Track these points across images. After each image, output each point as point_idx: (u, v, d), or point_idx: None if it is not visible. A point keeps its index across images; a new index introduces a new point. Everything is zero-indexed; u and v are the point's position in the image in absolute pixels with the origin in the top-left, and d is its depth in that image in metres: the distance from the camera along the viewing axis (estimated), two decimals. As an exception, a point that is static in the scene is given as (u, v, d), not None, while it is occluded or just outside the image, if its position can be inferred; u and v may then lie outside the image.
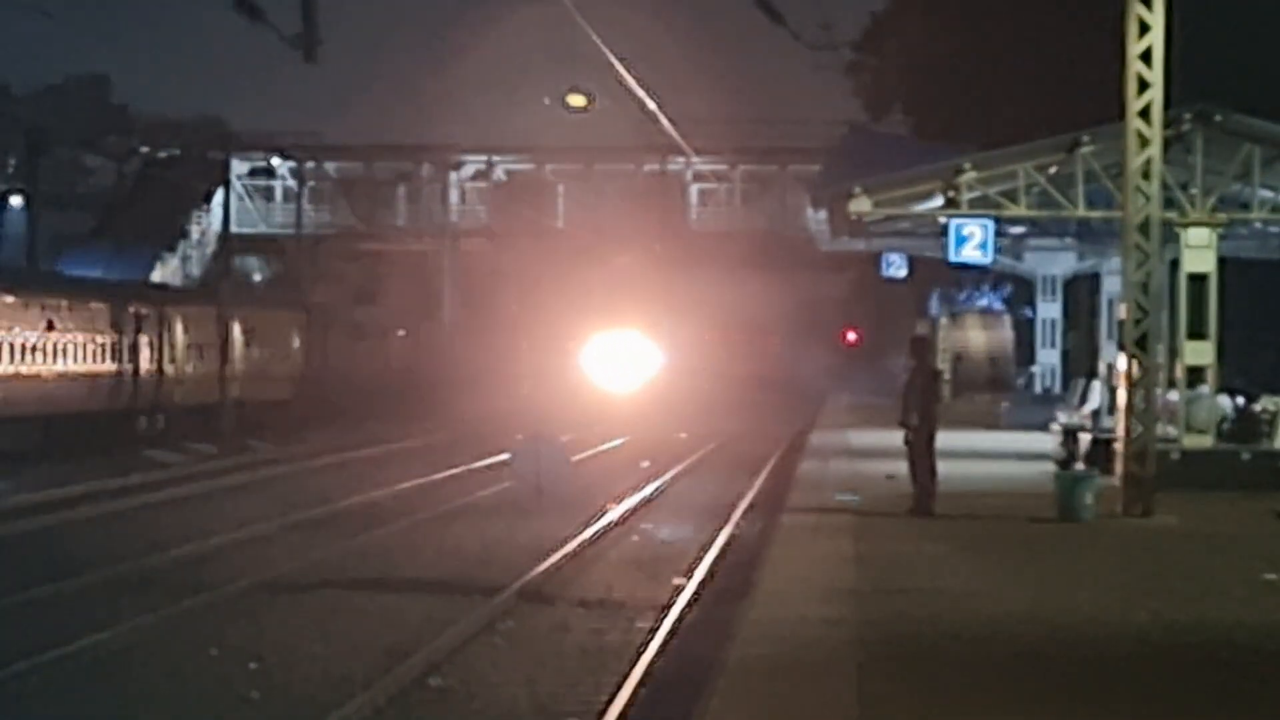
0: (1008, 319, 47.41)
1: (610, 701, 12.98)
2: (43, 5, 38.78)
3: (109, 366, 43.13)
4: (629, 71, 33.84)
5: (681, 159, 54.98)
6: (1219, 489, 25.20)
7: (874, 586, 16.43)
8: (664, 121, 42.80)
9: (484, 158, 62.14)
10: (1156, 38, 22.18)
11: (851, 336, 70.46)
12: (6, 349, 38.77)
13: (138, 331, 44.59)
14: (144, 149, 62.59)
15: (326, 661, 15.05)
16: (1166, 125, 23.16)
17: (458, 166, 62.19)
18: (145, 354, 45.07)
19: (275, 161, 52.33)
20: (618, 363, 61.51)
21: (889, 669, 11.67)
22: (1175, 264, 28.14)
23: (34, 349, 39.76)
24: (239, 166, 57.24)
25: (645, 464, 38.48)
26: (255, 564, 21.35)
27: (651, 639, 15.93)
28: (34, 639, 14.57)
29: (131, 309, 45.35)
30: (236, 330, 49.31)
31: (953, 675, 11.53)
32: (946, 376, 35.54)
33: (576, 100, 51.27)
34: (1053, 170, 30.15)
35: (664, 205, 58.29)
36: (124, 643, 15.23)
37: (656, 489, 33.45)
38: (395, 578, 20.95)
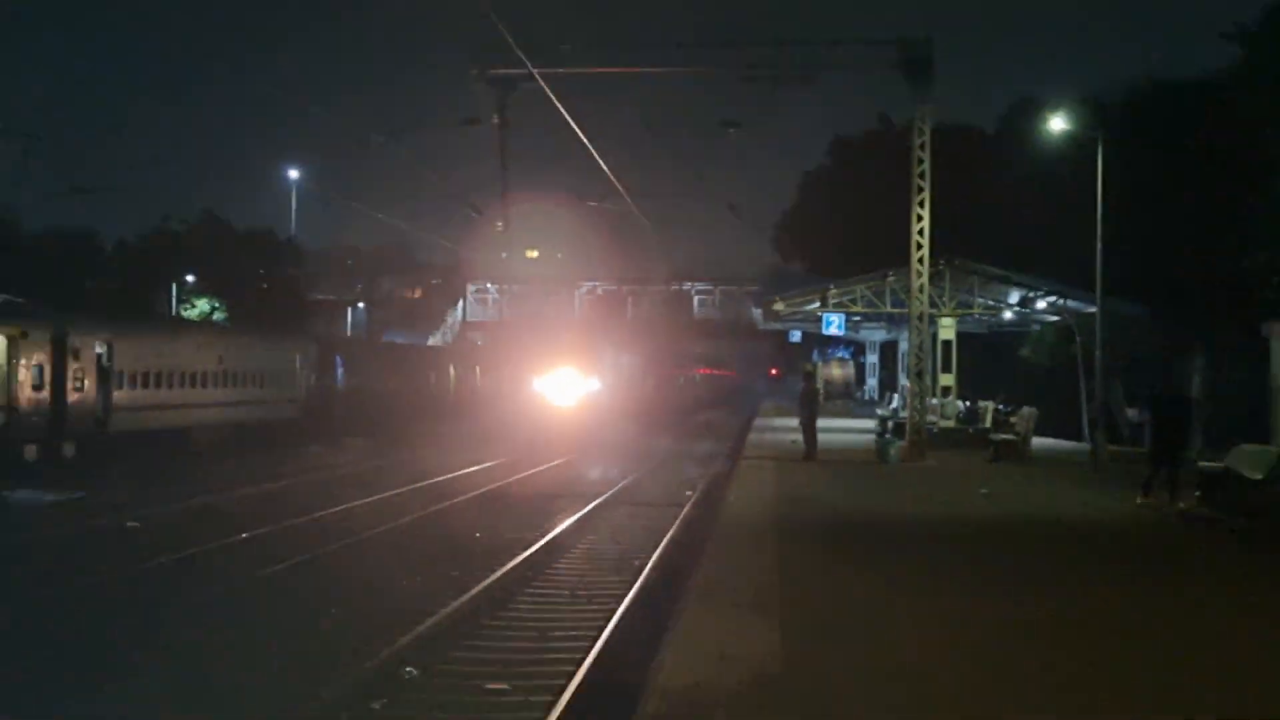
0: (851, 362, 66.66)
1: (656, 548, 18.85)
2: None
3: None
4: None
5: (690, 283, 70.48)
6: (956, 448, 32.85)
7: (783, 495, 22.04)
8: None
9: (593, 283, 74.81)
10: (926, 222, 30.06)
11: (774, 371, 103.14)
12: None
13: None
14: (435, 281, 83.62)
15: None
16: (930, 266, 31.60)
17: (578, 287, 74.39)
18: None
19: (488, 285, 62.75)
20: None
21: (790, 533, 16.61)
22: (935, 335, 36.78)
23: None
24: (470, 287, 72.45)
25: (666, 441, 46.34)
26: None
27: (676, 520, 22.28)
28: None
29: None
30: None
31: (821, 535, 16.88)
32: (821, 391, 43.12)
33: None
34: (873, 288, 39.57)
35: (679, 307, 72.30)
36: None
37: (670, 450, 42.51)
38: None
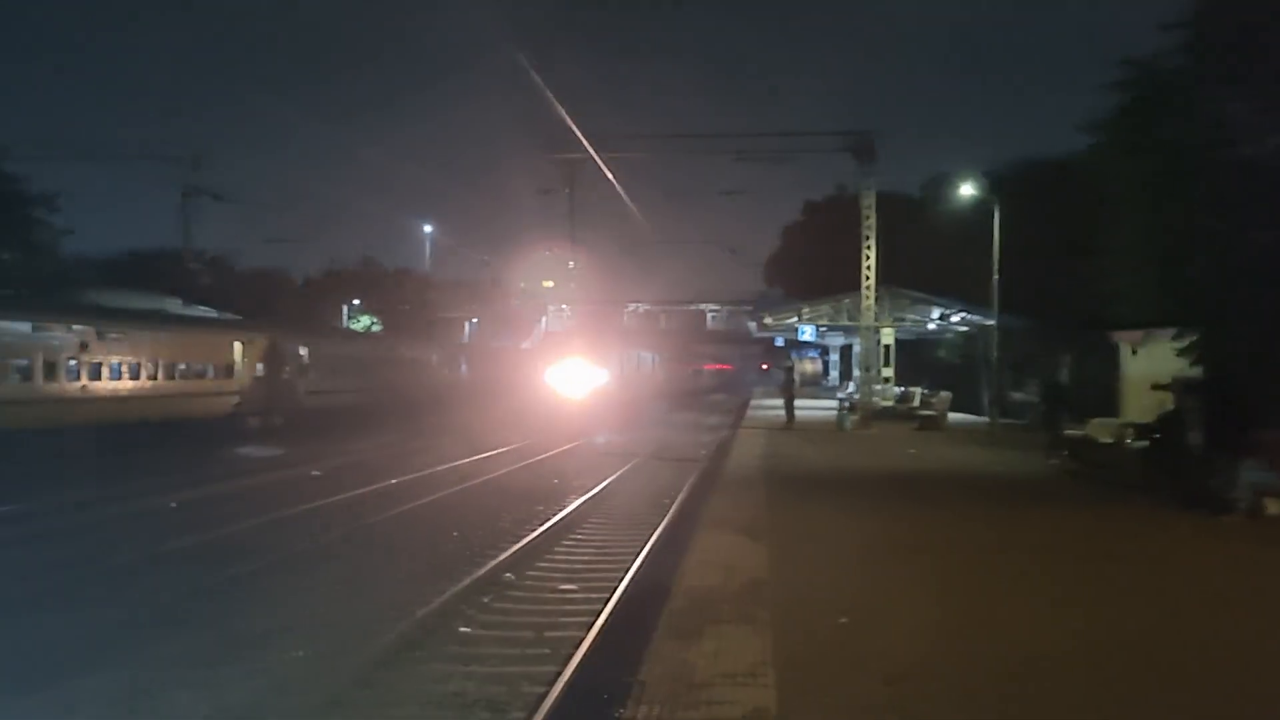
0: (819, 359, 63.95)
1: (680, 491, 18.74)
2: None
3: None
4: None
5: (704, 304, 69.23)
6: (893, 421, 33.33)
7: (769, 454, 22.46)
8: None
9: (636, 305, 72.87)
10: (872, 261, 31.02)
11: (765, 366, 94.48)
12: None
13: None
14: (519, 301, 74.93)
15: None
16: (875, 292, 32.93)
17: (626, 307, 73.08)
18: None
19: (563, 306, 61.20)
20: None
21: (773, 481, 17.16)
22: (878, 340, 37.79)
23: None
24: (550, 306, 67.11)
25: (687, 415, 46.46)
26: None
27: (699, 468, 22.54)
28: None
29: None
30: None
31: (795, 483, 17.18)
32: (798, 380, 41.59)
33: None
34: (834, 306, 40.32)
35: (696, 322, 71.20)
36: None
37: (690, 421, 42.06)
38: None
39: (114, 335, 25.87)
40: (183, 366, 28.79)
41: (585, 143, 24.32)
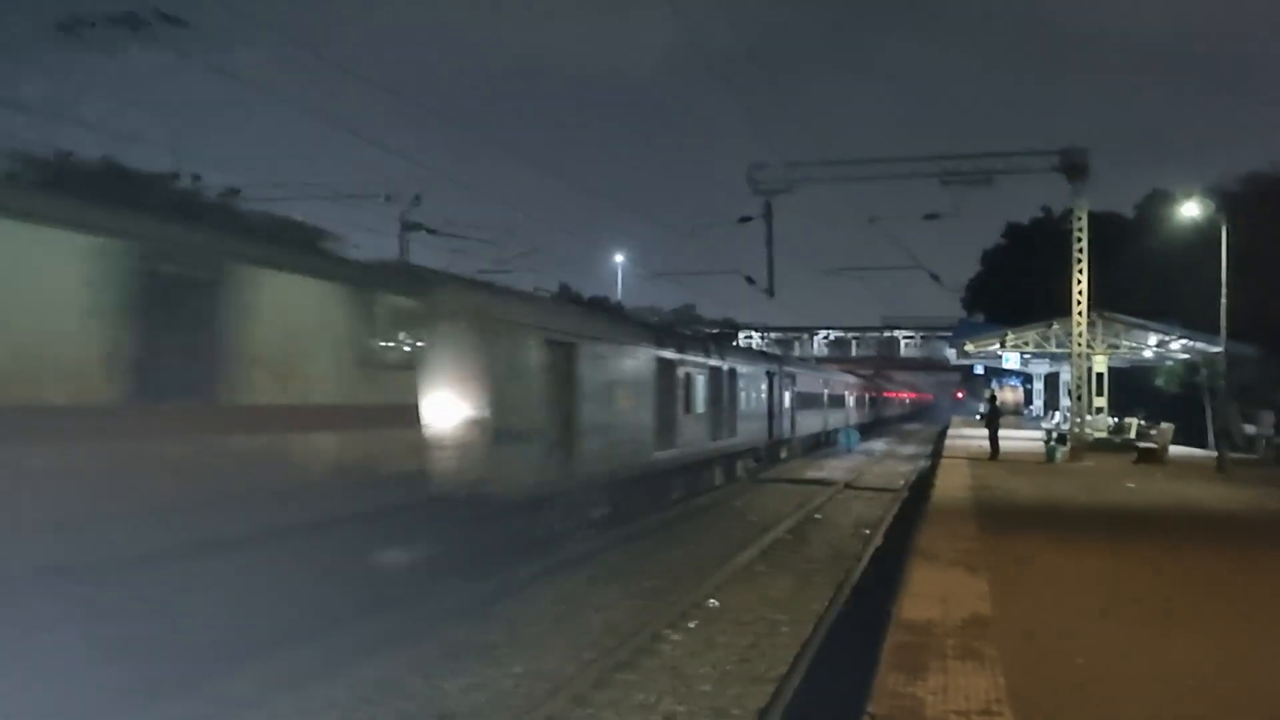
0: (1021, 388, 58.66)
1: (883, 519, 19.90)
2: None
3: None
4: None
5: (899, 331, 68.29)
6: (1107, 453, 30.53)
7: (976, 485, 20.76)
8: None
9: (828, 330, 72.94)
10: (1084, 284, 29.12)
11: (960, 394, 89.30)
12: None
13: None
14: (715, 331, 77.93)
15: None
16: (1086, 317, 30.38)
17: (815, 332, 72.85)
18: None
19: (752, 332, 61.21)
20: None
21: (984, 513, 15.51)
22: (1089, 368, 34.59)
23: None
24: (741, 334, 68.73)
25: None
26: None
27: (896, 502, 23.05)
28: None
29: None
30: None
31: (1007, 516, 15.56)
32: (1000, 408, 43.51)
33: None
34: (1040, 333, 37.87)
35: (889, 348, 70.16)
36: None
37: (887, 449, 42.83)
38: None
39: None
40: None
41: (781, 169, 24.35)
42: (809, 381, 40.15)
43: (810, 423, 39.91)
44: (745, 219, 28.14)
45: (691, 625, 10.88)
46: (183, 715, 7.51)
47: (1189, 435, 35.04)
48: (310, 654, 8.97)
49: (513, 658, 9.47)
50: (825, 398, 43.65)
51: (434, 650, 9.57)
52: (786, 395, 34.56)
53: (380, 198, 24.28)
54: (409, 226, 24.62)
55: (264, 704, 7.85)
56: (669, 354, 21.10)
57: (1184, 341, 36.42)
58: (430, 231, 24.51)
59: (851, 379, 55.32)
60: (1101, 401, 37.18)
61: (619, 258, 61.88)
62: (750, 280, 31.80)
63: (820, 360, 62.75)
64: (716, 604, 11.93)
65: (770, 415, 31.44)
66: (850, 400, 52.88)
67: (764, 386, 31.07)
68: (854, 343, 72.68)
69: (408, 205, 24.45)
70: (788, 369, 35.97)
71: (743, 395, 27.43)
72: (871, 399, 63.30)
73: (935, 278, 37.43)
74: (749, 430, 28.42)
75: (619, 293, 69.00)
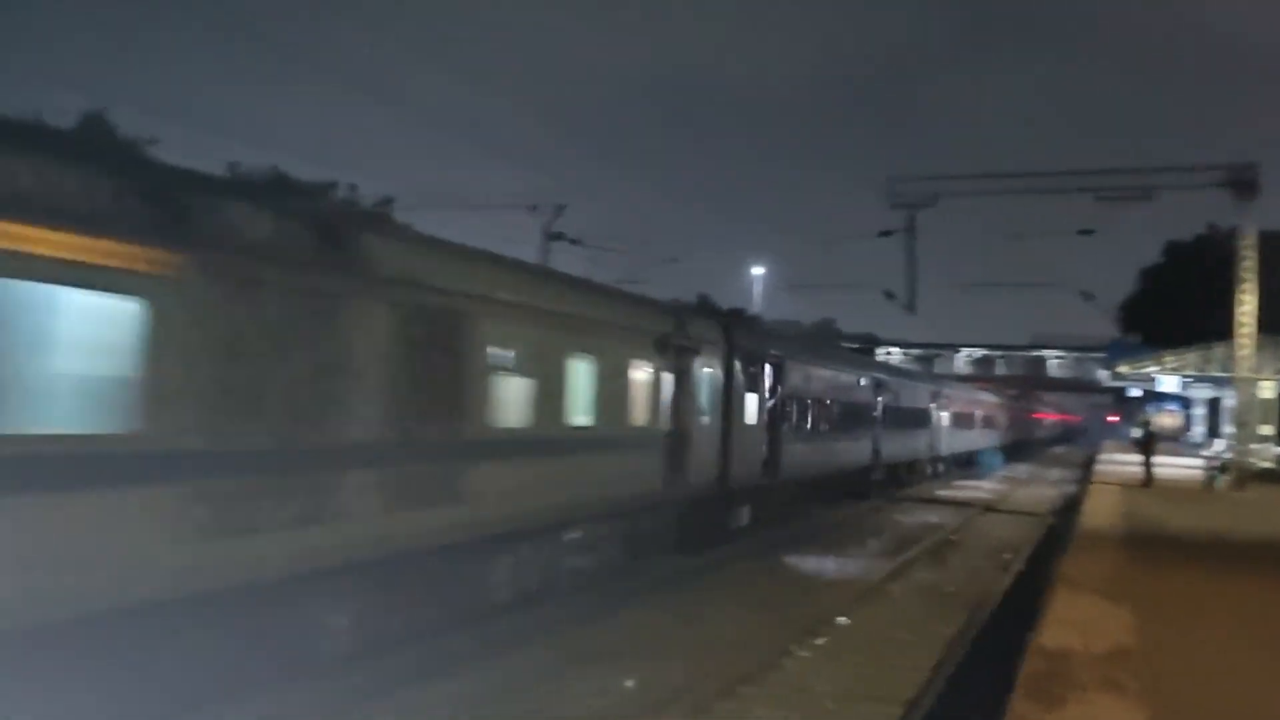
0: (1180, 413, 55.85)
1: (1025, 544, 19.21)
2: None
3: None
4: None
5: (1048, 350, 66.14)
6: (1274, 484, 29.08)
7: (1127, 513, 19.62)
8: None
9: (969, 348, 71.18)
10: (1250, 306, 28.13)
11: (1113, 418, 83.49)
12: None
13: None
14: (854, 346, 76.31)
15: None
16: (1253, 340, 29.08)
17: (958, 350, 71.34)
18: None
19: (890, 349, 59.55)
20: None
21: (1134, 542, 14.85)
22: (1254, 394, 32.45)
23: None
24: (879, 350, 66.78)
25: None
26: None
27: (1040, 526, 22.31)
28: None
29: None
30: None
31: (1156, 544, 14.95)
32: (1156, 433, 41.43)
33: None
34: (1202, 356, 36.14)
35: (1035, 368, 67.92)
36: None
37: (1032, 472, 41.92)
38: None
39: None
40: None
41: (925, 183, 23.81)
42: (955, 400, 39.38)
43: (955, 442, 38.94)
44: (885, 233, 27.60)
45: (819, 642, 10.71)
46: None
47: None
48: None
49: (634, 664, 9.49)
50: (969, 417, 42.41)
51: (558, 656, 9.67)
52: (940, 414, 34.50)
53: (525, 208, 24.87)
54: (552, 236, 25.14)
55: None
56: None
57: (1364, 368, 33.95)
58: (572, 241, 25.01)
59: (995, 398, 53.46)
60: (1268, 429, 34.67)
61: (759, 270, 61.49)
62: (890, 295, 31.23)
63: (961, 379, 60.95)
64: (847, 621, 11.72)
65: (926, 433, 31.92)
66: (993, 421, 51.15)
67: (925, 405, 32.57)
68: (999, 361, 70.20)
69: (552, 216, 24.98)
70: (943, 388, 35.83)
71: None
72: (1016, 420, 60.91)
73: (1088, 296, 35.76)
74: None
75: (758, 305, 68.61)
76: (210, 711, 6.90)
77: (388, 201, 40.06)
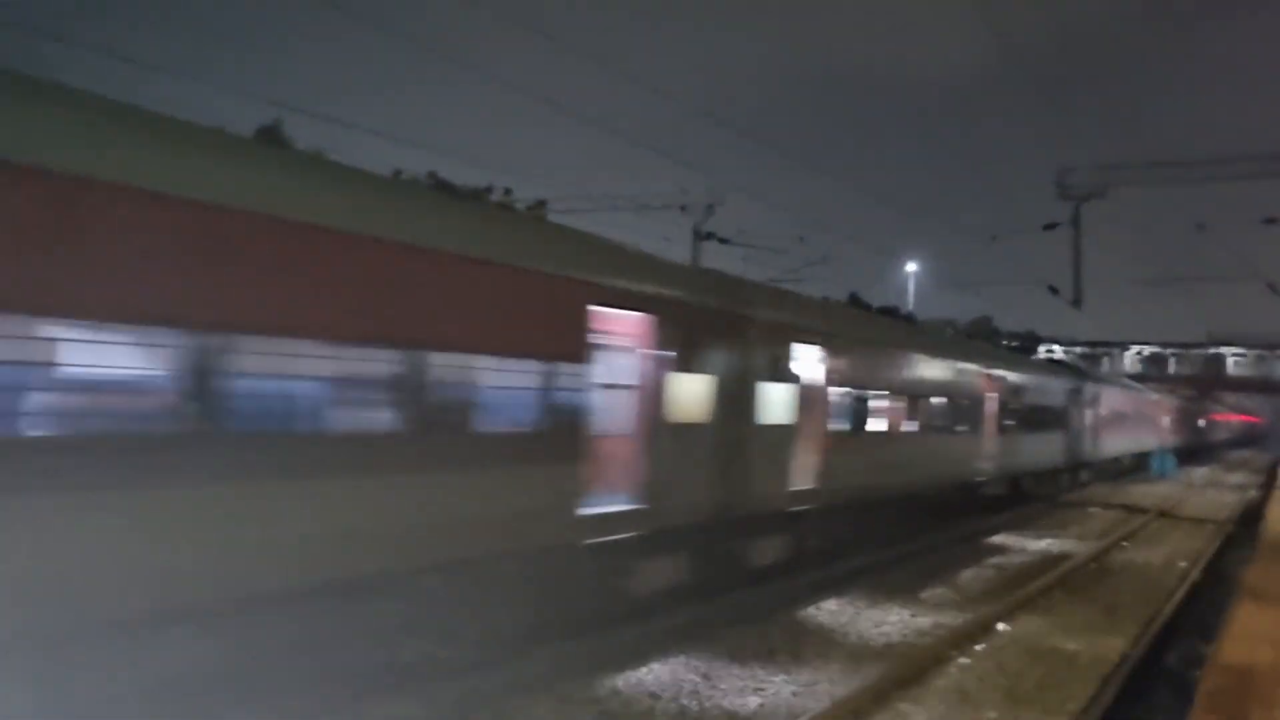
0: None
1: (1207, 550, 18.29)
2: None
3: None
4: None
5: (1227, 348, 62.28)
6: None
7: None
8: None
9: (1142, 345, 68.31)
10: None
11: None
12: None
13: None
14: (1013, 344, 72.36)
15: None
16: None
17: (1126, 348, 68.72)
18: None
19: (1054, 346, 57.24)
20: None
21: None
22: None
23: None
24: (1041, 347, 58.79)
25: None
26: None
27: (1219, 535, 20.88)
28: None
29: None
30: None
31: None
32: None
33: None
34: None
35: (1217, 371, 64.11)
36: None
37: (1209, 477, 39.72)
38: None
39: None
40: None
41: (1095, 177, 22.62)
42: (1116, 399, 37.63)
43: (1116, 444, 37.22)
44: (1050, 225, 26.40)
45: (979, 648, 10.40)
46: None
47: None
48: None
49: (794, 667, 9.44)
50: (1135, 416, 40.33)
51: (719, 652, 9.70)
52: (1093, 412, 33.01)
53: (675, 208, 24.94)
54: (702, 236, 25.13)
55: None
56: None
57: None
58: (723, 241, 24.92)
59: (1166, 399, 50.65)
60: None
61: (911, 267, 59.96)
62: (1054, 290, 29.80)
63: (1132, 378, 57.91)
64: (1006, 629, 11.33)
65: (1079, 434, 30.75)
66: (1165, 422, 48.47)
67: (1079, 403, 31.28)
68: (1171, 359, 66.30)
69: (702, 215, 24.98)
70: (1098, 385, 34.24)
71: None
72: (1192, 421, 57.47)
73: (1274, 289, 33.19)
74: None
75: (910, 303, 66.83)
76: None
77: (541, 204, 40.90)
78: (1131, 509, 25.56)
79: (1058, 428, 26.99)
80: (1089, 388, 31.03)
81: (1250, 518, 22.69)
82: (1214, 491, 33.83)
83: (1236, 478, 41.41)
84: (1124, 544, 19.42)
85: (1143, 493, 31.37)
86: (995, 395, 21.14)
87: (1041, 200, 27.20)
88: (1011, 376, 22.65)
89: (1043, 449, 25.22)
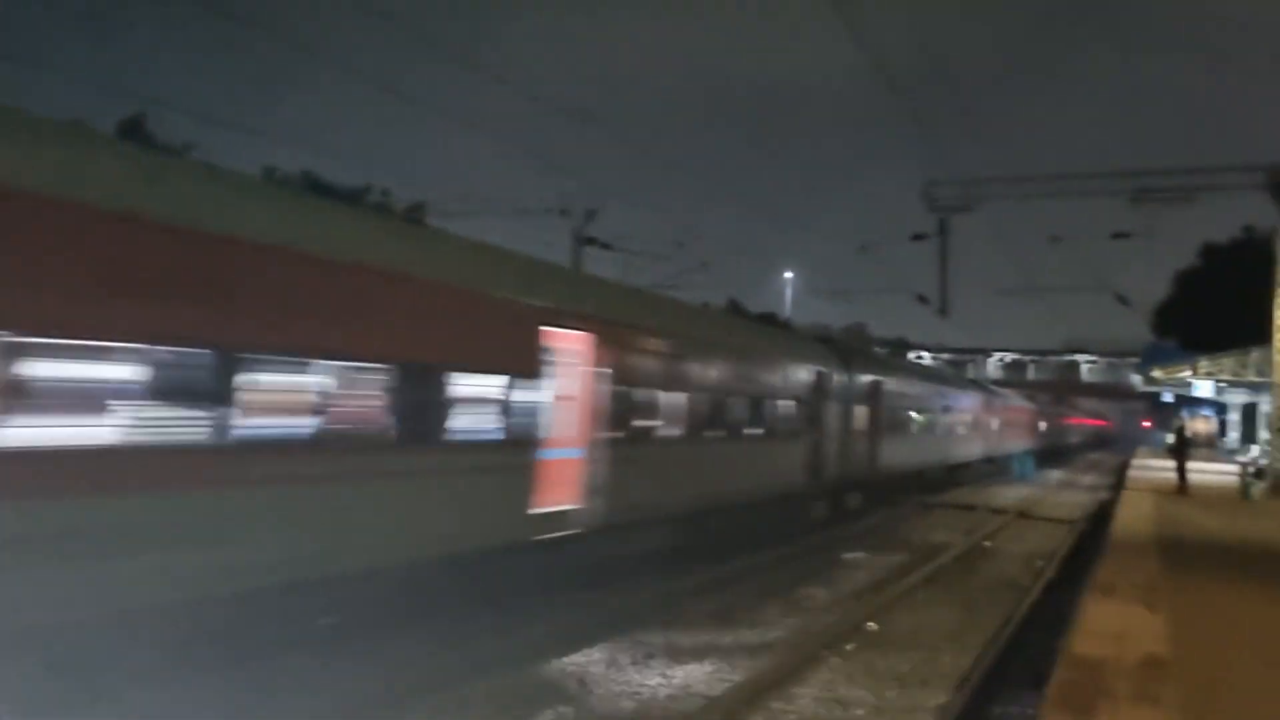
0: (1214, 419, 54.60)
1: (1059, 552, 18.95)
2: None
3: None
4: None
5: (1081, 355, 65.40)
6: None
7: (1160, 520, 19.33)
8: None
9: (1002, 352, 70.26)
10: None
11: (1147, 423, 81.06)
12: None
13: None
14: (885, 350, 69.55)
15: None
16: None
17: (989, 354, 70.31)
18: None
19: (922, 353, 58.37)
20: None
21: (1168, 550, 14.51)
22: None
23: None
24: (910, 353, 63.27)
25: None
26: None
27: (1072, 534, 21.98)
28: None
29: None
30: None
31: (1191, 553, 14.75)
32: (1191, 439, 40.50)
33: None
34: (1238, 361, 35.39)
35: (1068, 372, 67.04)
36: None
37: (1065, 478, 41.12)
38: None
39: None
40: None
41: (958, 190, 23.53)
42: (1003, 408, 39.50)
43: (1000, 446, 38.96)
44: (919, 236, 27.38)
45: (849, 648, 10.64)
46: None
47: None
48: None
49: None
50: (993, 423, 41.90)
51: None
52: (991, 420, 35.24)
53: (555, 212, 24.95)
54: (582, 241, 25.19)
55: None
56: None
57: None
58: (604, 246, 25.05)
59: (1023, 403, 52.89)
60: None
61: (788, 274, 61.21)
62: (923, 299, 30.75)
63: (995, 384, 60.28)
64: (875, 628, 11.63)
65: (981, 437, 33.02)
66: (1028, 426, 50.59)
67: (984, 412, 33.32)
68: (1031, 366, 69.40)
69: (582, 220, 25.05)
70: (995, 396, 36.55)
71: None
72: (1050, 425, 60.17)
73: (1122, 300, 35.14)
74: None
75: (787, 309, 68.12)
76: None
77: (419, 207, 40.31)
78: (993, 509, 26.41)
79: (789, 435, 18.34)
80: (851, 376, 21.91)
81: (1101, 518, 23.60)
82: (1069, 493, 35.22)
83: (1090, 478, 43.36)
84: (986, 543, 20.11)
85: (1005, 494, 32.54)
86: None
87: (912, 212, 28.17)
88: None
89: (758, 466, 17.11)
